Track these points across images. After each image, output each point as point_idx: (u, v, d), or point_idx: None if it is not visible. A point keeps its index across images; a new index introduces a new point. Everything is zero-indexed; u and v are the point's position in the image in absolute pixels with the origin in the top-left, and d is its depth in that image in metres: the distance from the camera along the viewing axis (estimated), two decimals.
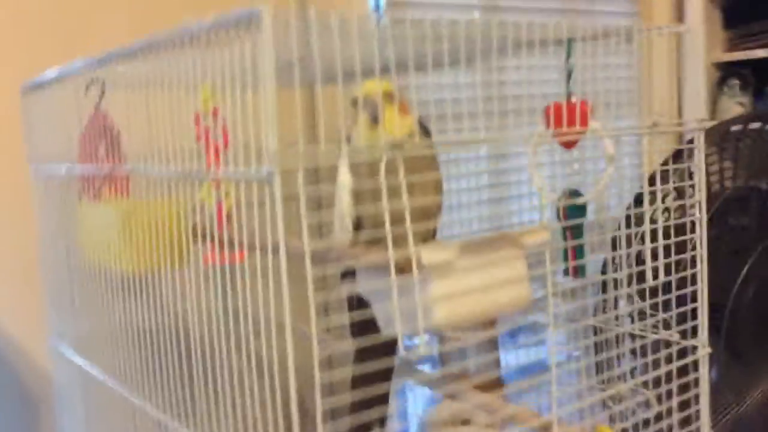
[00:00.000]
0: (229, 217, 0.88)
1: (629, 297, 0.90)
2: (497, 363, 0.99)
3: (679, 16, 2.07)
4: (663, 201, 0.95)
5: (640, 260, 0.86)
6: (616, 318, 0.92)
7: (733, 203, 1.43)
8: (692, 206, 0.83)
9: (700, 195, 0.83)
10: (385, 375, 0.81)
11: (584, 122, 0.75)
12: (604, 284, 0.95)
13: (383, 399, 0.77)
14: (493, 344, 0.94)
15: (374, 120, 0.71)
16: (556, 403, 0.72)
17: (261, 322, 0.76)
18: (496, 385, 0.90)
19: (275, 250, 0.56)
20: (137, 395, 0.89)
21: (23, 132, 1.06)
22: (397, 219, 0.61)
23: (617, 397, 0.89)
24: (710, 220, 1.42)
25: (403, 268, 0.60)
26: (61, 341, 1.07)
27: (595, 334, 0.91)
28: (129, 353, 0.90)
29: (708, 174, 1.38)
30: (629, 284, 0.86)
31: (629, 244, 0.85)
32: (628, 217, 0.86)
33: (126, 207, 0.83)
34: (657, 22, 2.10)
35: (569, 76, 0.77)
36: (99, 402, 1.00)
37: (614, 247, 0.86)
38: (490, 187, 0.83)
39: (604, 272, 0.97)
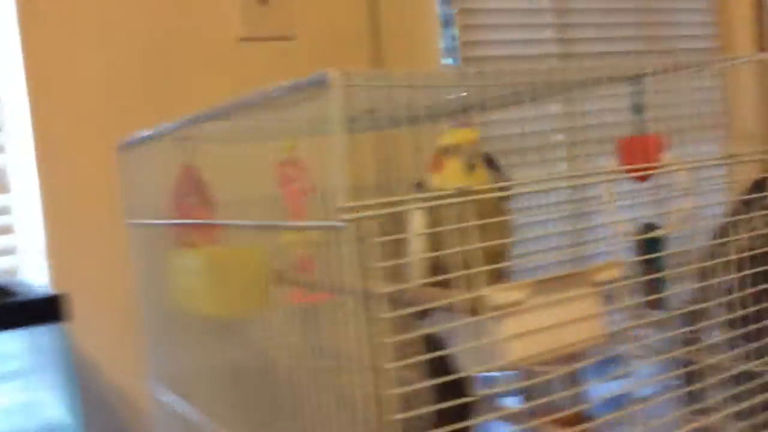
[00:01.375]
0: (310, 260, 0.92)
1: (717, 327, 0.88)
2: (581, 398, 0.98)
3: (761, 35, 2.02)
4: (750, 228, 0.93)
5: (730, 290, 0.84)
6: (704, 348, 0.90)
7: None
8: None
9: None
10: (465, 412, 0.82)
11: (656, 156, 0.75)
12: (693, 315, 0.93)
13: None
14: (576, 379, 0.93)
15: (471, 167, 0.74)
16: None
17: (343, 360, 0.79)
18: (579, 420, 0.89)
19: (350, 294, 0.59)
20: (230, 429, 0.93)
21: (120, 188, 1.14)
22: (471, 263, 0.63)
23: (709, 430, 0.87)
24: None
25: (476, 310, 0.62)
26: (159, 383, 1.13)
27: (685, 366, 0.89)
28: (222, 393, 0.94)
29: None
30: (719, 316, 0.84)
31: (715, 275, 0.83)
32: (714, 246, 0.84)
33: (211, 254, 0.88)
34: (740, 42, 2.05)
35: (640, 110, 0.78)
36: None
37: (703, 278, 0.84)
38: (569, 219, 0.84)
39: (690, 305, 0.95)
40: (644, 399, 0.74)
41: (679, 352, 0.86)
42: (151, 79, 1.31)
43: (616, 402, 0.78)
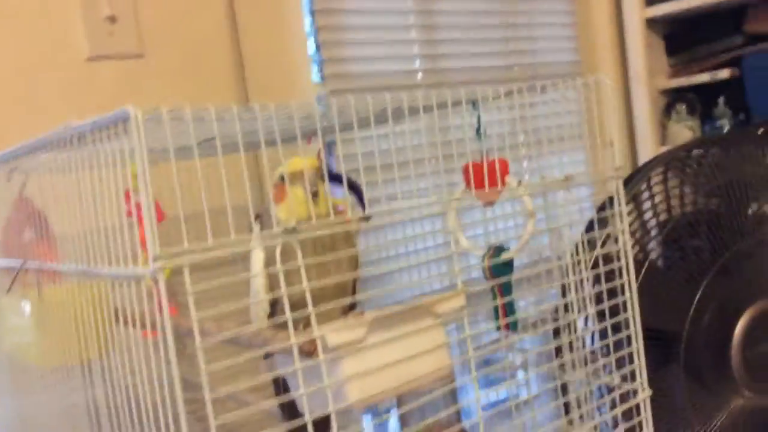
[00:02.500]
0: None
1: (571, 345, 0.89)
2: (458, 414, 0.98)
3: (621, 46, 2.11)
4: (601, 246, 0.95)
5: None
6: (567, 365, 0.91)
7: (684, 227, 1.43)
8: (618, 256, 0.82)
9: (625, 244, 0.83)
10: None
11: (501, 181, 0.75)
12: (556, 332, 0.94)
13: None
14: (453, 396, 0.93)
15: (314, 194, 0.71)
16: None
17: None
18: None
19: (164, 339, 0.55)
20: None
21: None
22: (314, 298, 0.60)
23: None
24: (663, 245, 1.43)
25: (309, 352, 0.59)
26: None
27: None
28: None
29: (654, 201, 1.39)
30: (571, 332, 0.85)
31: (564, 293, 0.85)
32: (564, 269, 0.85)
33: (40, 298, 0.82)
34: (600, 54, 2.14)
35: (480, 135, 0.78)
36: None
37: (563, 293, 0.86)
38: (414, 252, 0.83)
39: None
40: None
41: (540, 369, 0.86)
42: None
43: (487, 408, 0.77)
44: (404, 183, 0.71)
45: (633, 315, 0.83)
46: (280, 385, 0.74)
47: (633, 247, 1.26)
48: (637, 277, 0.85)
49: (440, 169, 0.77)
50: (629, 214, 1.12)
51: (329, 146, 1.35)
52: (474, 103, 0.75)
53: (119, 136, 0.53)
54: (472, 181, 0.75)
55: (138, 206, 1.02)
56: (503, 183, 0.77)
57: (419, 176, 0.77)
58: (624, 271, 0.82)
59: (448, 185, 0.82)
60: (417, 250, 0.98)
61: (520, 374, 0.88)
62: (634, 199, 1.32)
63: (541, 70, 1.98)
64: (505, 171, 0.79)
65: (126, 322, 0.78)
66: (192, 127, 0.53)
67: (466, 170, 0.79)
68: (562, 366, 0.91)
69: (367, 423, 1.14)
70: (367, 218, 0.70)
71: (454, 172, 0.84)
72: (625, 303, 0.83)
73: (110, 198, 0.94)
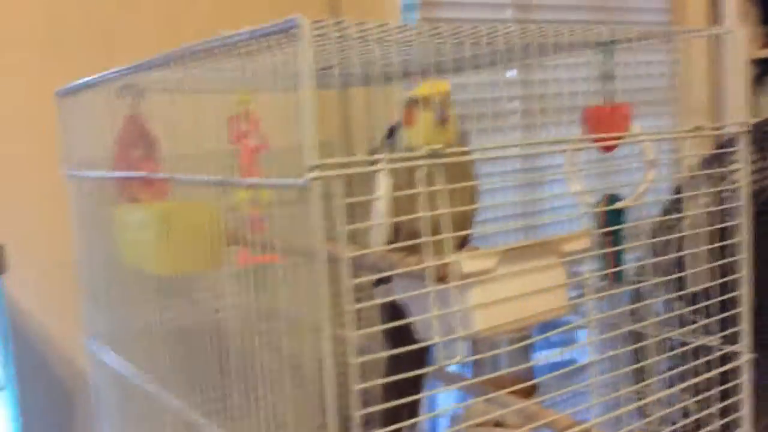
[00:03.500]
0: (263, 220, 0.88)
1: (669, 302, 0.88)
2: (531, 367, 0.98)
3: (714, 12, 2.04)
4: (703, 203, 0.93)
5: (681, 264, 0.84)
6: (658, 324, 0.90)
7: None
8: (735, 209, 0.81)
9: (744, 198, 0.81)
10: (418, 382, 0.81)
11: (624, 126, 0.74)
12: (644, 290, 0.93)
13: (415, 405, 0.77)
14: (526, 348, 0.93)
15: (442, 121, 0.71)
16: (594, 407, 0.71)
17: (297, 324, 0.76)
18: (530, 389, 0.89)
19: (312, 257, 0.56)
20: (171, 394, 0.89)
21: (59, 136, 1.07)
22: (435, 227, 0.60)
23: (655, 404, 0.88)
24: (752, 218, 1.39)
25: (442, 277, 0.60)
26: (97, 341, 1.08)
27: (636, 341, 0.90)
28: (164, 353, 0.91)
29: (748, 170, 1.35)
30: (671, 289, 0.84)
31: (668, 249, 0.83)
32: (666, 221, 0.84)
33: (162, 210, 0.84)
34: (691, 19, 2.07)
35: (609, 78, 0.76)
36: (134, 401, 1.01)
37: (654, 252, 0.84)
38: (528, 189, 0.82)
39: (641, 277, 0.96)
40: (593, 370, 0.74)
41: (632, 327, 0.86)
42: (100, 24, 1.24)
43: (565, 373, 0.78)
44: (496, 134, 0.70)
45: (744, 275, 0.82)
46: (391, 314, 0.75)
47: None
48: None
49: (537, 122, 0.76)
50: (723, 178, 1.09)
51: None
52: (606, 45, 0.74)
53: (282, 46, 0.53)
54: (598, 123, 0.74)
55: (242, 133, 1.03)
56: (625, 128, 0.76)
57: (512, 128, 0.76)
58: (739, 232, 0.81)
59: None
60: (515, 192, 0.97)
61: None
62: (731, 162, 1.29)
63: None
64: (628, 117, 0.77)
65: (234, 242, 0.80)
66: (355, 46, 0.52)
67: (587, 115, 0.78)
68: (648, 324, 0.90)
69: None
70: (484, 149, 0.69)
71: (548, 126, 0.83)
72: (735, 264, 0.82)
73: (220, 124, 0.96)
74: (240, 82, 0.82)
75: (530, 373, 0.97)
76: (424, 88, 0.71)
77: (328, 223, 0.56)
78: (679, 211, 0.95)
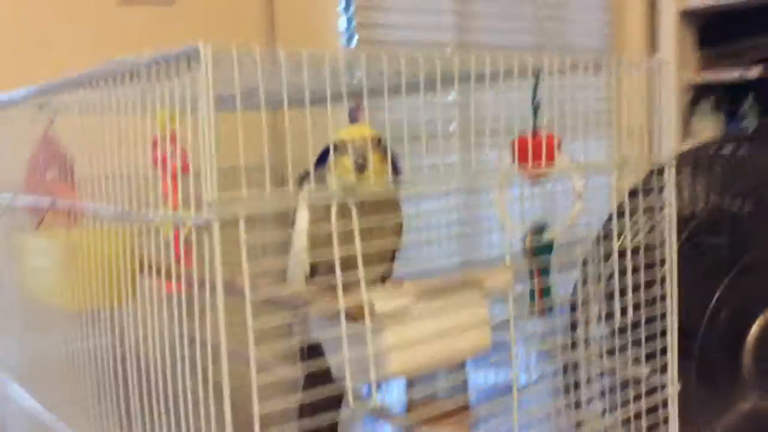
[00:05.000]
0: (184, 247, 0.84)
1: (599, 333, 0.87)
2: (464, 386, 0.97)
3: (652, 36, 2.07)
4: (632, 237, 0.93)
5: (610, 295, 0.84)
6: (590, 355, 0.89)
7: (706, 225, 1.41)
8: (662, 243, 0.80)
9: (671, 231, 0.80)
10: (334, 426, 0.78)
11: (551, 157, 0.72)
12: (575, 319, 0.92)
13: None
14: (460, 367, 0.91)
15: (360, 168, 0.68)
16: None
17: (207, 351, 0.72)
18: (462, 409, 0.87)
19: (213, 290, 0.53)
20: (79, 428, 0.85)
21: None
22: (355, 263, 0.58)
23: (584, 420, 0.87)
24: (682, 243, 1.41)
25: (355, 317, 0.57)
26: (6, 376, 1.02)
27: (566, 371, 0.89)
28: (71, 384, 0.86)
29: (680, 197, 1.37)
30: (599, 320, 0.83)
31: (599, 279, 0.82)
32: (596, 252, 0.83)
33: (68, 240, 0.79)
34: (630, 43, 2.10)
35: (536, 110, 0.75)
36: None
37: (585, 281, 0.83)
38: (460, 222, 0.80)
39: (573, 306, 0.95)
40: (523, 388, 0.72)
41: (564, 359, 0.85)
42: (22, 40, 1.19)
43: (495, 392, 0.76)
44: (430, 157, 0.68)
45: (672, 307, 0.81)
46: (306, 351, 0.72)
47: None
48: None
49: (471, 143, 0.74)
50: (653, 207, 1.10)
51: (352, 112, 1.32)
52: (534, 73, 0.72)
53: (181, 74, 0.50)
54: (525, 154, 0.73)
55: (165, 154, 0.99)
56: (553, 159, 0.75)
57: (446, 151, 0.74)
58: (667, 260, 0.80)
59: (476, 161, 0.79)
60: (447, 223, 0.95)
61: (530, 360, 0.87)
62: (660, 191, 1.30)
63: (570, 53, 1.95)
64: (555, 147, 0.76)
65: (153, 272, 0.76)
66: (260, 71, 0.50)
67: (516, 144, 0.77)
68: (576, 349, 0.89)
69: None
70: (410, 186, 0.67)
71: (483, 148, 0.82)
72: (663, 295, 0.81)
73: (140, 145, 0.92)
74: (158, 103, 0.78)
75: (466, 403, 0.95)
76: (345, 132, 0.69)
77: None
78: (610, 240, 0.95)
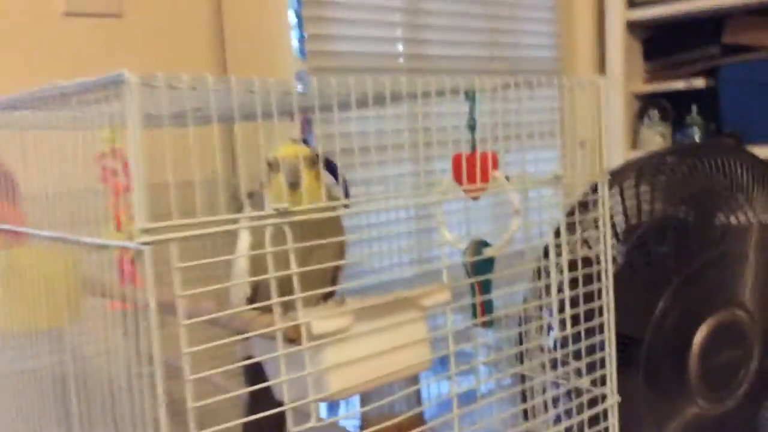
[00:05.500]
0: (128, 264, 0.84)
1: (542, 346, 0.89)
2: (418, 398, 0.97)
3: (600, 47, 2.12)
4: (570, 251, 0.95)
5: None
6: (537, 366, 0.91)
7: (652, 233, 1.45)
8: (597, 258, 0.82)
9: (606, 246, 0.83)
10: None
11: (485, 176, 0.74)
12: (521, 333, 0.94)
13: None
14: (414, 379, 0.92)
15: (293, 186, 0.69)
16: None
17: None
18: (417, 422, 0.88)
19: (146, 312, 0.53)
20: None
21: None
22: (290, 286, 0.58)
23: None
24: (628, 251, 1.43)
25: (293, 338, 0.58)
26: None
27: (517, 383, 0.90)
28: (16, 403, 0.85)
29: (626, 206, 1.40)
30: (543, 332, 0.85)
31: (539, 295, 0.84)
32: (538, 268, 0.85)
33: (8, 260, 0.78)
34: (579, 53, 2.14)
35: (472, 129, 0.76)
36: None
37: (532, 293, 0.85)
38: (408, 234, 0.82)
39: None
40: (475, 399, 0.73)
41: (512, 371, 0.86)
42: None
43: (449, 403, 0.77)
44: (382, 167, 0.69)
45: (609, 319, 0.83)
46: (250, 370, 0.72)
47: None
48: None
49: (420, 155, 0.75)
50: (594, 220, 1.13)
51: (308, 123, 1.33)
52: (468, 94, 0.74)
53: (109, 99, 0.50)
54: (462, 172, 0.74)
55: (111, 171, 0.99)
56: (488, 177, 0.76)
57: (397, 161, 0.75)
58: (603, 275, 0.82)
59: (426, 172, 0.81)
60: (389, 236, 0.96)
61: (483, 370, 0.88)
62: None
63: (521, 64, 1.98)
64: (494, 165, 0.78)
65: (97, 292, 0.76)
66: (187, 96, 0.50)
67: (455, 161, 0.78)
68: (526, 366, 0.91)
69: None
70: (347, 206, 0.68)
71: (433, 160, 0.83)
72: (600, 308, 0.83)
73: (84, 162, 0.91)
74: (93, 123, 0.78)
75: (420, 415, 0.96)
76: (279, 150, 0.70)
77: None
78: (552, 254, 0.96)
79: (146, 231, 0.48)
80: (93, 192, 0.90)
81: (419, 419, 0.90)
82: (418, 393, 0.96)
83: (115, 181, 0.96)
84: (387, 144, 0.72)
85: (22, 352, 0.82)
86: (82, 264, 0.78)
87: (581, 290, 0.82)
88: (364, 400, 0.94)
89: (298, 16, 1.57)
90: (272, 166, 0.70)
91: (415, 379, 0.94)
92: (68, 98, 0.56)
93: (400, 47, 1.73)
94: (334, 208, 0.62)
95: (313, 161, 0.71)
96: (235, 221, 0.54)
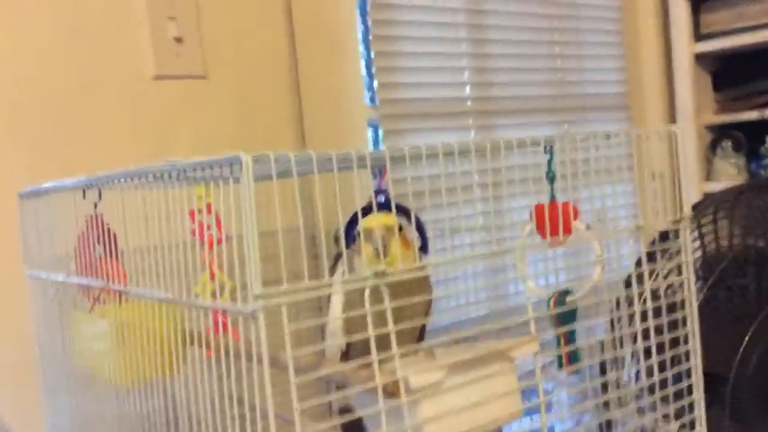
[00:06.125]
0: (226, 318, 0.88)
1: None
2: None
3: (669, 81, 2.11)
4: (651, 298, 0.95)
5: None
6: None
7: (732, 268, 1.43)
8: (682, 303, 0.83)
9: (690, 289, 0.83)
10: None
11: (567, 227, 0.76)
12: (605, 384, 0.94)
13: None
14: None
15: (380, 254, 0.73)
16: None
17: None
18: None
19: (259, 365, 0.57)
20: None
21: (21, 237, 1.07)
22: (386, 342, 0.62)
23: None
24: (709, 288, 1.42)
25: (393, 393, 0.61)
26: None
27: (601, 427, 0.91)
28: None
29: (703, 241, 1.39)
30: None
31: (621, 344, 0.85)
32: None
33: (119, 316, 0.84)
34: (647, 87, 2.14)
35: (552, 180, 0.79)
36: None
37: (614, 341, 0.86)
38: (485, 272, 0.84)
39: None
40: None
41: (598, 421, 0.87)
42: (61, 116, 1.25)
43: None
44: (452, 209, 0.72)
45: (696, 363, 0.84)
46: (349, 427, 0.75)
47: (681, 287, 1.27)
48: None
49: (489, 196, 0.78)
50: (677, 253, 1.13)
51: (378, 171, 1.37)
52: (546, 148, 0.77)
53: (224, 176, 0.55)
54: (544, 225, 0.77)
55: (202, 226, 1.04)
56: (570, 229, 0.78)
57: (467, 202, 0.78)
58: (688, 321, 0.83)
59: (496, 212, 0.83)
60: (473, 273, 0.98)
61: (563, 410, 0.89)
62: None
63: (588, 101, 1.99)
64: (574, 215, 0.80)
65: (207, 347, 0.80)
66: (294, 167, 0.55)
67: (536, 212, 0.81)
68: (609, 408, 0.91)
69: None
70: (436, 264, 0.71)
71: (502, 199, 0.85)
72: (687, 353, 0.84)
73: (181, 217, 0.97)
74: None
75: None
76: (368, 220, 0.73)
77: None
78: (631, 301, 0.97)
79: (258, 297, 0.52)
80: (187, 245, 0.96)
81: None
82: None
83: (208, 234, 1.01)
84: (456, 186, 0.74)
85: (132, 401, 0.87)
86: (186, 319, 0.84)
87: (666, 336, 0.83)
88: None
89: (369, 67, 1.63)
90: (364, 236, 0.74)
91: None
92: (184, 173, 0.61)
93: (467, 90, 1.77)
94: (423, 268, 0.65)
95: (400, 230, 0.75)
96: (337, 284, 0.58)
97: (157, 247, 0.85)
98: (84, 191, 0.97)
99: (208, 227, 1.03)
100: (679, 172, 0.88)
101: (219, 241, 1.02)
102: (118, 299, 0.94)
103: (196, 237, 1.01)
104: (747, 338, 1.38)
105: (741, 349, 1.37)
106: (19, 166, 1.19)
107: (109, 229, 1.02)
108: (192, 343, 0.83)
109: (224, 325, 0.86)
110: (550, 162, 0.78)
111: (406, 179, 0.68)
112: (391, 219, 0.74)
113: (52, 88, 1.24)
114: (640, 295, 0.81)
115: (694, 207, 1.41)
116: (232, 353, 0.75)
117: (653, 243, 1.03)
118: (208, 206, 1.02)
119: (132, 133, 1.30)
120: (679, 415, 0.87)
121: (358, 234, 0.75)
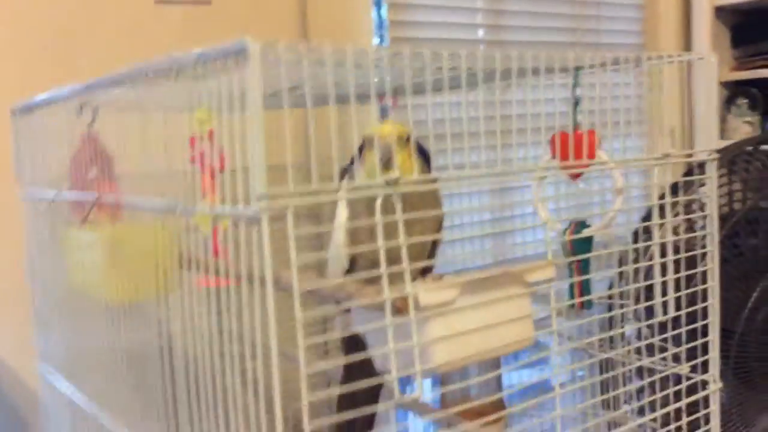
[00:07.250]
0: (221, 242, 0.85)
1: (639, 330, 0.87)
2: (499, 384, 0.96)
3: (686, 34, 2.05)
4: (673, 232, 0.92)
5: (651, 291, 0.83)
6: (628, 352, 0.88)
7: (743, 225, 1.40)
8: (703, 238, 0.79)
9: (713, 226, 0.80)
10: (372, 417, 0.78)
11: (591, 153, 0.72)
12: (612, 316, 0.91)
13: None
14: (495, 365, 0.91)
15: (386, 165, 0.68)
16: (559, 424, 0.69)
17: (251, 347, 0.73)
18: (497, 407, 0.87)
19: (263, 284, 0.53)
20: (122, 422, 0.86)
21: (13, 154, 1.03)
22: (395, 257, 0.58)
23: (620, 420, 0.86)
24: (720, 243, 1.39)
25: (400, 309, 0.57)
26: (47, 365, 1.04)
27: (606, 368, 0.88)
28: (114, 378, 0.87)
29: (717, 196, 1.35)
30: (641, 317, 0.83)
31: (637, 276, 0.82)
32: (636, 248, 0.83)
33: (113, 234, 0.80)
34: (663, 41, 2.08)
35: (576, 105, 0.74)
36: (85, 427, 0.97)
37: (622, 278, 0.83)
38: (493, 219, 0.80)
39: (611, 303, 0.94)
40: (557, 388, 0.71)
41: (603, 355, 0.84)
42: (60, 39, 1.21)
43: (529, 390, 0.76)
44: (460, 154, 0.68)
45: (714, 304, 0.81)
46: (348, 344, 0.72)
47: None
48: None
49: (497, 143, 0.73)
50: (691, 204, 1.09)
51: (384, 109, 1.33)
52: (573, 71, 0.72)
53: (229, 71, 0.51)
54: (567, 149, 0.73)
55: (201, 153, 1.00)
56: (594, 155, 0.74)
57: (475, 148, 0.74)
58: (708, 258, 0.79)
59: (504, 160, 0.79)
60: (479, 221, 0.95)
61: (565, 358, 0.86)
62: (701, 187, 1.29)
63: (604, 51, 1.94)
64: (595, 144, 0.76)
65: (194, 267, 0.77)
66: (306, 66, 0.50)
67: (554, 140, 0.77)
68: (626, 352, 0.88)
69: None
70: (449, 179, 0.67)
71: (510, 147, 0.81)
72: (705, 291, 0.80)
73: (180, 143, 0.93)
74: (196, 102, 0.79)
75: (500, 401, 0.94)
76: (374, 128, 0.69)
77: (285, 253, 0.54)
78: (648, 237, 0.94)
79: (262, 197, 0.48)
80: (186, 172, 0.92)
81: (499, 405, 0.89)
82: (498, 379, 0.95)
83: (205, 162, 0.97)
84: (463, 131, 0.70)
85: (125, 324, 0.84)
86: (179, 241, 0.80)
87: (683, 273, 0.79)
88: (444, 382, 0.93)
89: (379, 3, 1.57)
90: (366, 143, 0.69)
91: (496, 364, 0.93)
92: (184, 71, 0.56)
93: (481, 33, 1.71)
94: (437, 181, 0.61)
95: (406, 140, 0.70)
96: (347, 190, 0.54)
97: (154, 174, 0.81)
98: (81, 107, 0.93)
99: (207, 154, 0.99)
100: (698, 105, 0.83)
101: (221, 169, 0.98)
102: (112, 218, 0.90)
103: (196, 163, 0.97)
104: (755, 295, 1.35)
105: (748, 306, 1.34)
106: (15, 85, 1.15)
107: (104, 151, 0.98)
108: (189, 267, 0.79)
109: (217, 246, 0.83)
110: (575, 84, 0.74)
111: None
112: (399, 127, 0.69)
113: (52, 9, 1.19)
114: (661, 227, 0.77)
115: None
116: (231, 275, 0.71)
117: (674, 188, 1.00)
118: (210, 133, 0.98)
119: (131, 58, 1.25)
120: (689, 357, 0.84)
121: (361, 144, 0.70)
